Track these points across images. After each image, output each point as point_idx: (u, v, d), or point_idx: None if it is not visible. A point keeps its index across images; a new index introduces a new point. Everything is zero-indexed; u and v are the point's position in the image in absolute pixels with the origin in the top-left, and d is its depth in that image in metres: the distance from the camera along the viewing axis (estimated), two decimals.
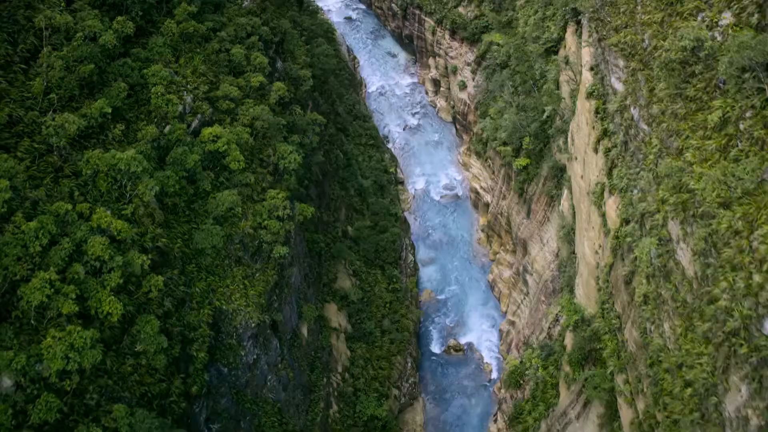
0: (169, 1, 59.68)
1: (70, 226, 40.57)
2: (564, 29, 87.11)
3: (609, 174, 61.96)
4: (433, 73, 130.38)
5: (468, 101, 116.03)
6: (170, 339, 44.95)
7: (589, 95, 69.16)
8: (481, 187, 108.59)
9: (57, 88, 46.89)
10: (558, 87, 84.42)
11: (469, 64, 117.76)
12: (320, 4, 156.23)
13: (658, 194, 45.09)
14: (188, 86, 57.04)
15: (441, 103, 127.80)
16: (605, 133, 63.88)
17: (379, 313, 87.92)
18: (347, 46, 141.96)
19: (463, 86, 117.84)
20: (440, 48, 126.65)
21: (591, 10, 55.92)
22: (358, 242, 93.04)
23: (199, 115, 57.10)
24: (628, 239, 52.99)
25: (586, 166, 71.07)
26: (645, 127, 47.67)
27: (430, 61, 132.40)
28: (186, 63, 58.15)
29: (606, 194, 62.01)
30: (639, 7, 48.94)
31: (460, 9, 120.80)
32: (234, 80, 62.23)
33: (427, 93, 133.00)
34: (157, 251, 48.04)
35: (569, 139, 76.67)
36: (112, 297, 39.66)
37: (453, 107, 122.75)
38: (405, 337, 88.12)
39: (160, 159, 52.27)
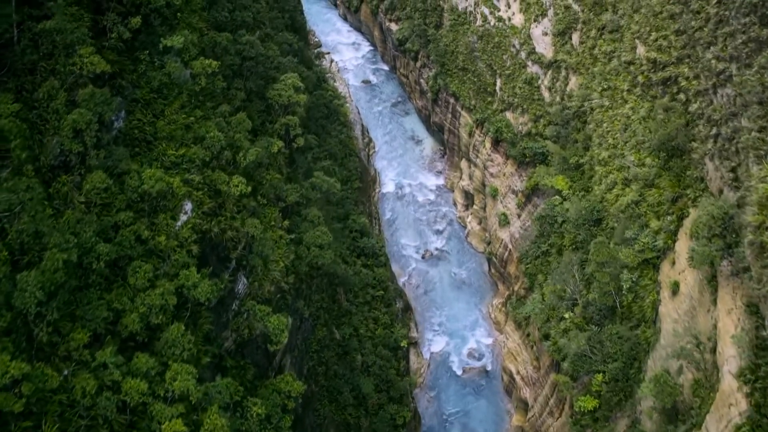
0: None
1: None
2: (675, 233, 55.55)
3: None
4: (466, 182, 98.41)
5: (510, 245, 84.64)
6: None
7: None
8: (518, 373, 78.17)
9: None
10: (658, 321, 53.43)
11: (514, 193, 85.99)
12: (336, 58, 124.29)
13: None
14: None
15: (473, 224, 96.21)
16: None
17: None
18: (362, 125, 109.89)
19: (504, 221, 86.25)
20: (477, 155, 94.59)
21: None
22: None
23: None
24: None
25: None
26: None
27: (463, 164, 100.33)
28: None
29: None
30: None
31: (509, 115, 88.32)
32: None
33: (455, 204, 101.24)
34: None
35: None
36: None
37: (488, 242, 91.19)
38: None
39: None
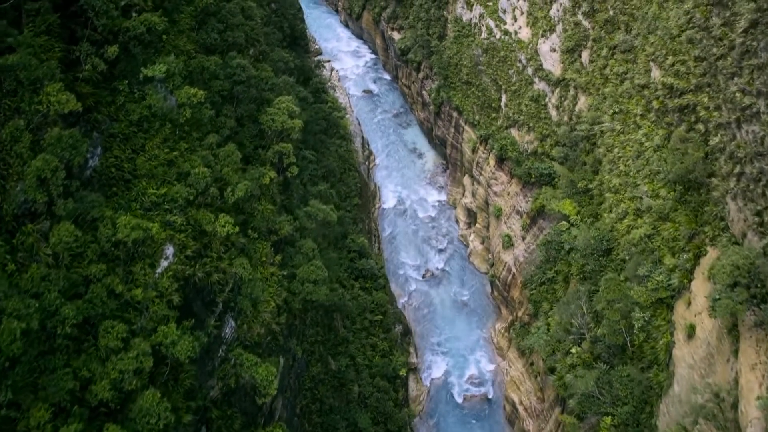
0: None
1: None
2: (692, 272, 51.98)
3: None
4: (468, 200, 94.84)
5: (513, 268, 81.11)
6: None
7: None
8: (521, 403, 74.72)
9: None
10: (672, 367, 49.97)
11: (519, 214, 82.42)
12: (337, 66, 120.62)
13: None
14: None
15: (475, 243, 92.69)
16: None
17: None
18: (363, 137, 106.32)
19: (508, 243, 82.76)
20: (481, 172, 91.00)
21: None
22: None
23: None
24: None
25: None
26: None
27: (466, 180, 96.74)
28: None
29: None
30: None
31: (514, 132, 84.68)
32: None
33: (457, 222, 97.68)
34: None
35: None
36: None
37: (491, 264, 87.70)
38: None
39: None
